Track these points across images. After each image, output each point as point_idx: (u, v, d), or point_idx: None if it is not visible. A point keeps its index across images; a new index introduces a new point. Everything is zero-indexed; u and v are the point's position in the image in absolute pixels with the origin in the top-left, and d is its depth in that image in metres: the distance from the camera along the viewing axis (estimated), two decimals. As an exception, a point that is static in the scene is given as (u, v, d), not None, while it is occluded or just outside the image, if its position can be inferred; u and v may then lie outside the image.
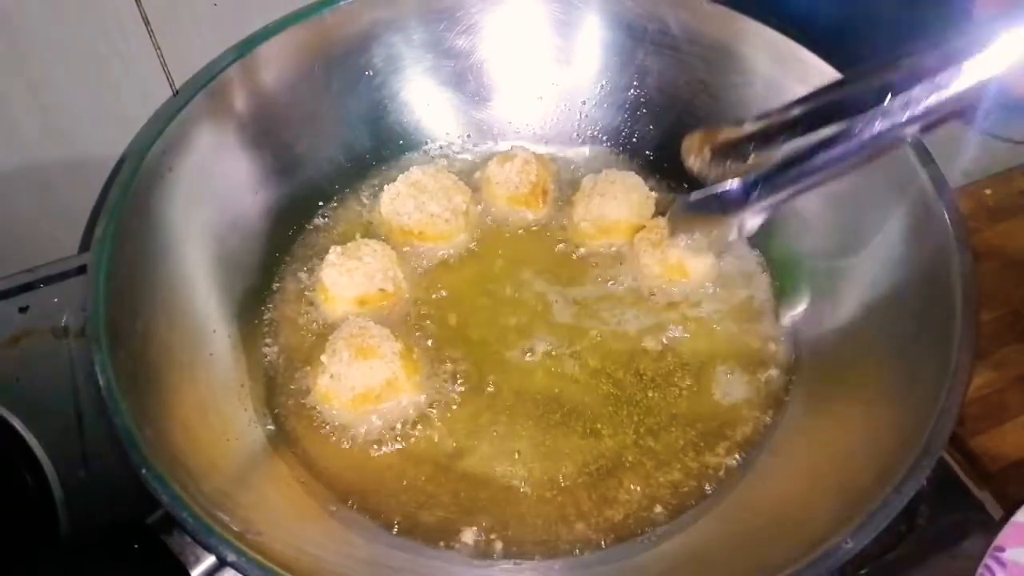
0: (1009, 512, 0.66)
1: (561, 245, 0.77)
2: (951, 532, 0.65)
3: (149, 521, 0.51)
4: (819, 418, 0.64)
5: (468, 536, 0.61)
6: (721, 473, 0.64)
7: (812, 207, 0.72)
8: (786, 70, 0.71)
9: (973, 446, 0.72)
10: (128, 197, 0.61)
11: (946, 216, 0.60)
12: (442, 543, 0.61)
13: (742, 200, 0.55)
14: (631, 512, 0.62)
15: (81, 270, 0.75)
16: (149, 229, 0.62)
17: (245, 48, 0.70)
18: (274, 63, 0.72)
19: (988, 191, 0.93)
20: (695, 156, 0.60)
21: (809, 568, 0.47)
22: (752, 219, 0.56)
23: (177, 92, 0.80)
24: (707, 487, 0.63)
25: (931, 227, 0.61)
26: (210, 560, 0.51)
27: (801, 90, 0.69)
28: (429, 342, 0.71)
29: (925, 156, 0.63)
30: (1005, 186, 0.93)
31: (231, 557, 0.48)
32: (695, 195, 0.60)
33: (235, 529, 0.51)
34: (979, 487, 0.69)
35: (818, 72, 0.68)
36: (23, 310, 0.77)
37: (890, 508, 0.49)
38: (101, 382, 0.52)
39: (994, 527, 0.65)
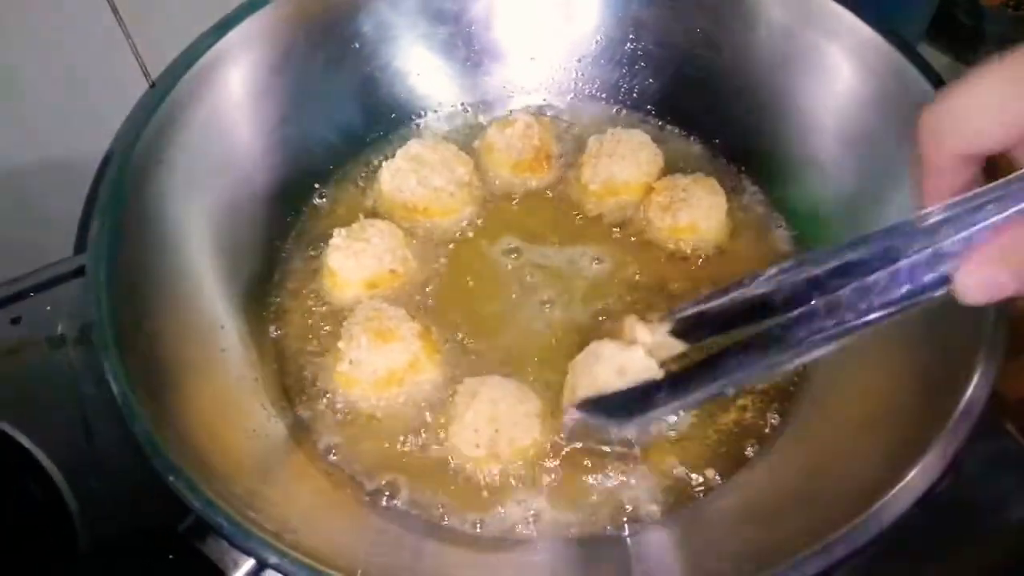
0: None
1: (570, 210, 0.75)
2: (991, 462, 0.63)
3: (181, 529, 0.49)
4: (852, 368, 0.62)
5: (516, 516, 0.59)
6: (765, 429, 0.63)
7: (828, 152, 0.70)
8: (798, 16, 0.67)
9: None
10: (120, 193, 0.58)
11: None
12: (487, 526, 0.59)
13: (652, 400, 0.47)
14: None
15: (76, 274, 0.72)
16: (146, 225, 0.59)
17: (223, 29, 0.66)
18: (255, 43, 0.68)
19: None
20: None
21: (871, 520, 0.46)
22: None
23: (154, 84, 0.76)
24: (747, 447, 0.62)
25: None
26: (249, 564, 0.49)
27: (820, 40, 0.66)
28: (445, 319, 0.68)
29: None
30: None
31: (273, 559, 0.46)
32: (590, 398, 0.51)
33: (271, 529, 0.49)
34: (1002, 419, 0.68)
35: (837, 20, 0.64)
36: (15, 321, 0.73)
37: (946, 450, 0.48)
38: (115, 391, 0.50)
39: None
